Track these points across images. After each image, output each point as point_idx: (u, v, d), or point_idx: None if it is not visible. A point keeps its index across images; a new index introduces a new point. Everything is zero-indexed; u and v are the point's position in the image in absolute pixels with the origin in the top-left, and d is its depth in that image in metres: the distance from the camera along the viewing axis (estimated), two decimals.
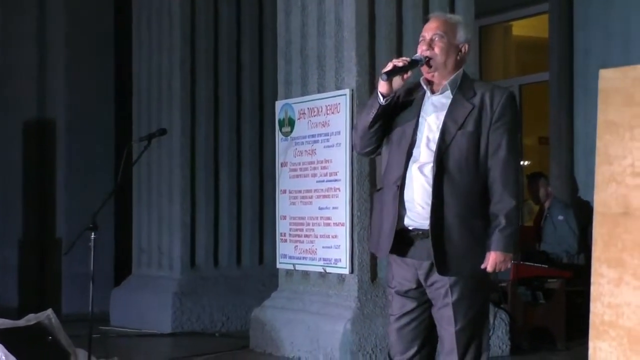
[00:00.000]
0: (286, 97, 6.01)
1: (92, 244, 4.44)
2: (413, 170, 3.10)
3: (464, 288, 3.09)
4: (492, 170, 3.07)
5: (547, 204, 7.15)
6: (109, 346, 6.25)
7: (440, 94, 3.16)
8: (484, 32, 8.99)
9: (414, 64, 3.12)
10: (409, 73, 3.13)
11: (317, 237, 5.68)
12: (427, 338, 3.22)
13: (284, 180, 6.00)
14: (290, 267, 5.92)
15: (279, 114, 6.08)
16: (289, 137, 5.98)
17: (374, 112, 3.15)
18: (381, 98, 3.14)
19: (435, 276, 3.10)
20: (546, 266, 6.34)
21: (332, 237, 5.54)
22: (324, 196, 5.62)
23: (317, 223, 5.68)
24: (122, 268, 8.21)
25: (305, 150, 5.81)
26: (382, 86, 3.12)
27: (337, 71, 5.56)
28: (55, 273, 8.50)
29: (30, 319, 4.61)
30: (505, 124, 3.08)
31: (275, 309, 5.89)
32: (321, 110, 5.67)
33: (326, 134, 5.63)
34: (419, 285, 3.16)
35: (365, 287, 5.37)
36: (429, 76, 3.16)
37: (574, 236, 6.89)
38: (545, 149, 8.39)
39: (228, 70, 7.46)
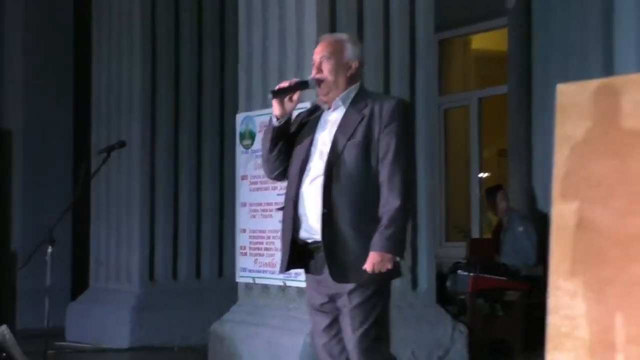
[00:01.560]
0: (247, 110, 5.99)
1: (48, 257, 4.37)
2: (305, 184, 3.21)
3: (361, 294, 3.13)
4: (380, 175, 3.16)
5: (506, 216, 7.20)
6: None
7: (334, 110, 3.30)
8: (444, 46, 9.05)
9: (302, 85, 3.28)
10: (298, 94, 3.27)
11: (277, 251, 5.65)
12: None
13: (244, 193, 5.97)
14: (250, 280, 5.88)
15: (239, 127, 6.05)
16: (249, 150, 5.96)
17: (271, 135, 3.31)
18: (274, 120, 3.29)
19: (337, 287, 3.15)
20: (505, 278, 6.38)
21: None
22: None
23: (277, 236, 5.64)
24: (79, 282, 8.10)
25: None
26: (274, 108, 3.28)
27: None
28: (10, 287, 8.36)
29: None
30: (393, 131, 3.17)
31: (235, 323, 5.85)
32: None
33: None
34: (332, 299, 3.21)
35: None
36: (324, 97, 3.30)
37: (533, 247, 6.94)
38: (504, 161, 8.46)
39: (189, 82, 7.42)
